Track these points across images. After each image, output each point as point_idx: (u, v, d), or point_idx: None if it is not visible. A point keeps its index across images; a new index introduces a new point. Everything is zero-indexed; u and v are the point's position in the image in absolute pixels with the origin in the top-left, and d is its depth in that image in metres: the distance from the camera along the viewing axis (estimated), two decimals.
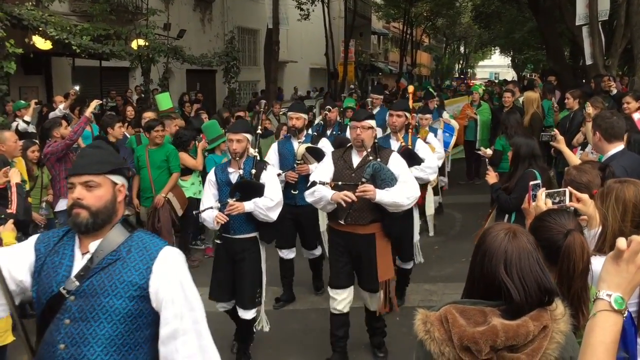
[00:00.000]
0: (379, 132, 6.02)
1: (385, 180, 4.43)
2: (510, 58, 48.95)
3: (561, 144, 4.85)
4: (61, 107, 9.16)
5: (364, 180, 4.34)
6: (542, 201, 2.76)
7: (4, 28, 9.12)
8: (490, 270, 1.88)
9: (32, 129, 8.98)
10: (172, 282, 2.18)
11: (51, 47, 11.49)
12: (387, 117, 6.31)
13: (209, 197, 4.86)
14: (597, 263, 2.43)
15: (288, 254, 6.26)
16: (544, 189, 2.86)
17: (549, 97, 10.85)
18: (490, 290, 1.89)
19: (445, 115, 9.90)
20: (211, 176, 4.93)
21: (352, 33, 28.90)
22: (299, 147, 5.93)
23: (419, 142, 5.97)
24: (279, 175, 5.64)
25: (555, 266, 2.23)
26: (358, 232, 4.57)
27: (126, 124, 9.07)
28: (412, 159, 5.41)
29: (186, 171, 7.28)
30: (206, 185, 4.92)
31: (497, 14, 27.17)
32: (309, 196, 4.60)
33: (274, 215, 4.66)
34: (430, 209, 6.98)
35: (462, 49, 61.67)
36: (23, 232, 5.25)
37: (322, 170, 4.74)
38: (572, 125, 7.40)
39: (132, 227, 2.29)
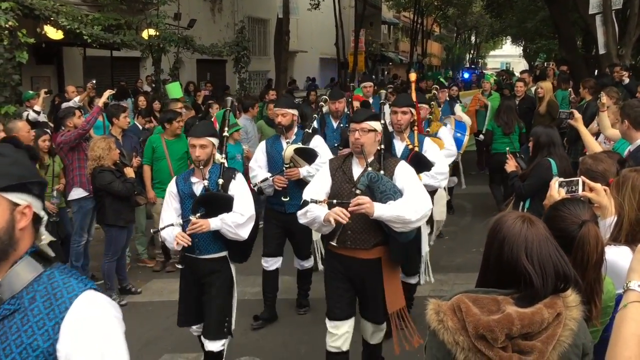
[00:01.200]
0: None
1: (386, 192, 3.73)
2: (521, 48, 48.54)
3: (579, 122, 4.84)
4: (76, 100, 9.22)
5: (357, 192, 3.65)
6: (556, 190, 2.75)
7: (16, 18, 9.14)
8: (511, 258, 1.86)
9: (43, 118, 9.04)
10: (89, 349, 1.52)
11: (62, 37, 11.53)
12: (388, 113, 5.48)
13: (169, 212, 4.26)
14: (612, 253, 2.42)
15: (273, 264, 5.54)
16: (557, 177, 2.84)
17: (563, 87, 10.77)
18: (506, 278, 1.87)
19: (458, 109, 9.12)
20: (172, 187, 4.31)
21: (363, 23, 28.77)
22: (287, 148, 5.20)
23: (427, 142, 5.16)
24: (265, 180, 5.23)
25: (569, 256, 2.21)
26: (360, 257, 3.91)
27: (136, 114, 9.12)
28: (422, 164, 4.76)
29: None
30: (166, 198, 4.32)
31: (509, 3, 26.89)
32: (302, 217, 3.91)
33: (244, 233, 4.09)
34: (440, 214, 6.15)
35: (473, 38, 61.22)
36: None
37: (317, 185, 4.05)
38: (585, 115, 7.33)
39: (46, 262, 1.63)
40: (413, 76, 6.23)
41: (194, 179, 4.22)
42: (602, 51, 12.75)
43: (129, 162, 6.29)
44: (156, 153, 6.81)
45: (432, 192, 5.35)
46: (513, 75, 26.75)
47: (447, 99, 9.84)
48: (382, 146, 3.98)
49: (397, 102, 5.22)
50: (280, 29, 18.90)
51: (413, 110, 5.11)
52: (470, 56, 63.48)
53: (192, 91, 14.20)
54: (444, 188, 7.21)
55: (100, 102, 7.02)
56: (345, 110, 7.11)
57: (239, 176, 4.27)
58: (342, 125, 6.85)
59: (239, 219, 4.06)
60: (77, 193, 6.35)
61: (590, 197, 2.72)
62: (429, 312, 1.85)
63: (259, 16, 25.31)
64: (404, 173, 3.91)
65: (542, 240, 1.87)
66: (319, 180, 4.08)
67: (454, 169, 7.73)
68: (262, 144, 5.59)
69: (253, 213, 4.15)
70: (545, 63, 16.68)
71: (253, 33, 24.57)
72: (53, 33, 11.23)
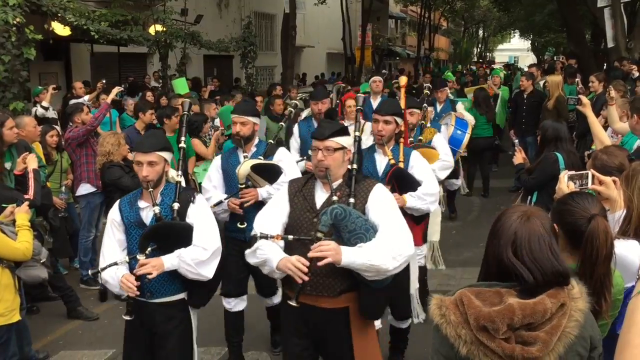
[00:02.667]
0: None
1: (356, 231, 2.88)
2: (530, 41, 48.27)
3: (587, 108, 4.79)
4: (86, 98, 9.28)
5: (319, 235, 2.83)
6: (565, 184, 2.73)
7: (24, 14, 9.17)
8: (498, 251, 1.88)
9: (52, 114, 9.08)
10: None
11: (70, 33, 11.57)
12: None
13: (111, 246, 3.40)
14: (621, 247, 2.41)
15: (236, 304, 4.57)
16: (567, 171, 2.83)
17: (569, 81, 10.71)
18: (504, 271, 1.87)
19: (460, 107, 8.47)
20: (114, 214, 3.45)
21: (370, 17, 28.66)
22: (242, 164, 4.18)
23: (415, 157, 4.33)
24: (220, 203, 4.29)
25: (578, 250, 2.20)
26: (323, 306, 3.05)
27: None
28: (406, 183, 4.15)
29: (198, 157, 7.34)
30: (107, 228, 3.47)
31: None
32: (250, 257, 3.09)
33: (208, 272, 3.28)
34: (435, 234, 5.46)
35: (480, 32, 60.92)
36: (43, 216, 5.34)
37: (270, 214, 3.21)
38: (594, 108, 7.28)
39: None
40: (403, 80, 5.51)
41: (142, 203, 3.40)
42: (610, 44, 12.65)
43: None
44: None
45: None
46: (518, 69, 26.65)
47: (449, 97, 9.22)
48: (354, 165, 3.18)
49: (379, 108, 4.34)
50: (287, 24, 18.87)
51: (399, 120, 4.28)
52: (478, 50, 63.19)
53: (203, 87, 14.21)
54: (440, 198, 6.55)
55: (108, 98, 7.06)
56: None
57: (199, 199, 3.50)
58: None
59: (200, 255, 3.25)
60: (85, 189, 6.39)
61: (600, 190, 2.70)
62: (431, 308, 1.86)
63: (265, 11, 25.28)
64: (379, 201, 3.09)
65: (532, 237, 1.86)
66: (273, 207, 3.24)
67: (453, 171, 7.15)
68: (217, 159, 4.63)
69: (219, 246, 3.36)
70: (555, 57, 16.56)
71: (260, 28, 24.55)
72: (60, 29, 11.27)
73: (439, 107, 8.44)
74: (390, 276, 2.98)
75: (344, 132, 3.16)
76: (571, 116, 9.44)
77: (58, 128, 6.98)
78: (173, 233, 3.32)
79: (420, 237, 4.55)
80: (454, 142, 6.80)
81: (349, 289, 3.03)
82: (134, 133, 7.02)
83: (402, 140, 4.40)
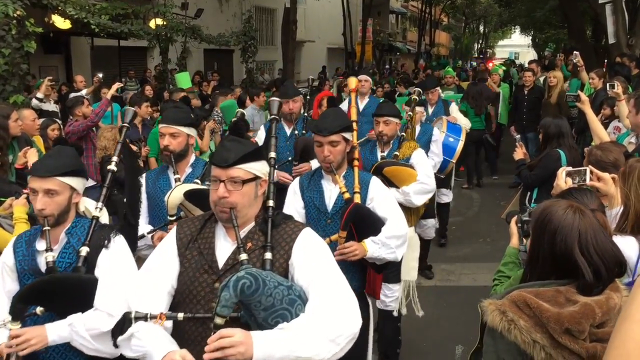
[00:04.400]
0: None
1: (274, 307, 2.00)
2: (530, 37, 48.16)
3: (585, 105, 4.78)
4: (84, 92, 9.27)
5: (217, 321, 1.93)
6: (563, 180, 2.74)
7: (24, 7, 9.14)
8: (565, 250, 1.81)
9: (52, 107, 9.08)
10: None
11: (70, 26, 11.54)
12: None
13: None
14: (618, 243, 2.42)
15: None
16: (564, 167, 2.84)
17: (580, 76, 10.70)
18: (560, 270, 1.82)
19: (454, 109, 7.73)
20: (6, 256, 2.62)
21: (370, 12, 28.61)
22: (173, 190, 3.21)
23: (375, 185, 3.41)
24: (142, 237, 3.34)
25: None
26: None
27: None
28: (365, 226, 3.23)
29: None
30: None
31: None
32: (124, 347, 2.14)
33: (111, 348, 2.24)
34: (411, 271, 4.62)
35: (481, 28, 60.78)
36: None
37: (150, 279, 2.25)
38: (594, 104, 7.28)
39: None
40: (353, 82, 4.60)
41: (40, 245, 2.56)
42: (611, 41, 12.62)
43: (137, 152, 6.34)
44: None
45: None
46: (517, 66, 26.60)
47: (441, 96, 8.36)
48: (271, 202, 2.30)
49: (322, 124, 3.30)
50: (288, 19, 18.84)
51: (349, 136, 3.33)
52: (479, 46, 63.07)
53: (199, 82, 14.18)
54: (435, 208, 6.14)
55: (108, 94, 7.06)
56: (302, 112, 5.48)
57: (117, 243, 2.60)
58: (296, 132, 5.16)
59: (101, 323, 2.34)
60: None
61: (598, 186, 2.71)
62: (491, 314, 1.75)
63: (266, 5, 25.22)
64: (308, 254, 2.20)
65: (596, 230, 1.82)
66: (154, 267, 2.27)
67: (445, 180, 6.63)
68: (142, 178, 3.69)
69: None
70: (559, 55, 16.51)
71: (260, 23, 24.50)
72: (61, 22, 11.25)
73: (430, 110, 7.59)
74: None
75: (255, 155, 2.24)
76: (573, 112, 9.45)
77: (59, 122, 6.99)
78: (64, 291, 2.39)
79: (379, 285, 3.57)
80: (445, 151, 6.11)
81: None
82: (131, 127, 7.03)
83: (356, 162, 3.41)
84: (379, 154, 4.64)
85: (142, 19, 13.71)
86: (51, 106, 9.09)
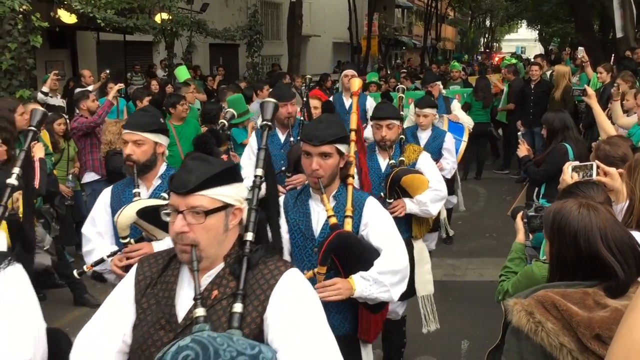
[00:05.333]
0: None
1: None
2: (537, 32, 47.89)
3: (592, 99, 4.74)
4: (90, 89, 9.30)
5: None
6: (569, 175, 2.73)
7: (30, 1, 9.15)
8: (590, 251, 1.77)
9: (59, 101, 9.11)
10: None
11: (76, 21, 11.55)
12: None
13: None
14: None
15: None
16: (571, 162, 2.82)
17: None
18: (586, 271, 1.79)
19: (456, 106, 7.16)
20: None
21: (376, 6, 28.49)
22: (125, 207, 2.80)
23: (371, 207, 2.82)
24: (102, 262, 2.97)
25: None
26: None
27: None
28: (353, 258, 2.67)
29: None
30: None
31: None
32: None
33: None
34: (427, 285, 4.32)
35: (487, 22, 60.50)
36: (50, 203, 5.38)
37: (98, 333, 1.84)
38: (601, 99, 7.25)
39: None
40: (356, 84, 3.43)
41: None
42: (619, 35, 12.54)
43: None
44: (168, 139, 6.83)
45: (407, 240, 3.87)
46: (523, 60, 26.44)
47: (442, 92, 7.89)
48: (249, 236, 1.84)
49: (313, 131, 2.76)
50: (293, 13, 18.79)
51: (344, 149, 2.79)
52: (485, 40, 62.79)
53: (198, 76, 14.12)
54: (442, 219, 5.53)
55: (110, 96, 7.08)
56: (299, 117, 4.84)
57: (12, 273, 1.98)
58: (292, 138, 4.53)
59: None
60: (89, 176, 6.53)
61: (604, 181, 2.69)
62: (517, 315, 1.70)
63: (271, 0, 25.19)
64: (287, 312, 1.73)
65: (613, 225, 1.80)
66: (104, 318, 1.87)
67: (449, 183, 5.93)
68: (106, 193, 3.24)
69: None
70: (566, 49, 16.41)
71: (266, 17, 24.45)
72: (67, 17, 11.26)
73: None
74: None
75: (225, 177, 1.78)
76: (581, 106, 9.40)
77: (66, 116, 7.03)
78: None
79: (376, 329, 2.99)
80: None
81: None
82: None
83: (350, 180, 2.86)
84: (382, 161, 4.11)
85: (148, 13, 13.71)
86: (58, 101, 9.13)
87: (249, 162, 4.39)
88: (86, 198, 6.77)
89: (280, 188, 3.84)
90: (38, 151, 4.70)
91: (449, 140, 5.45)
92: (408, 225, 4.09)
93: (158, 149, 3.15)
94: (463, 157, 10.25)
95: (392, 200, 3.91)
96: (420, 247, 4.17)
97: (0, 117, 4.77)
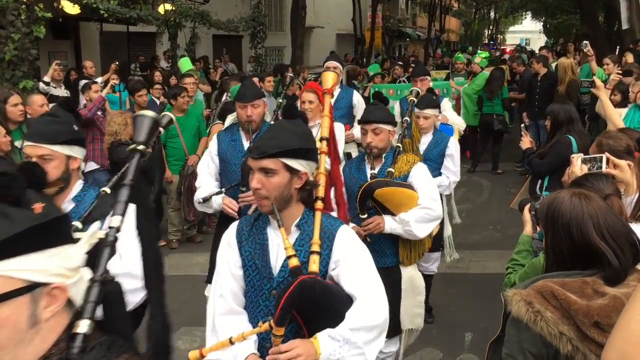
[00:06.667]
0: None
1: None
2: (542, 23, 47.69)
3: (601, 91, 4.71)
4: (99, 80, 9.31)
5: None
6: (578, 167, 2.70)
7: None
8: (583, 240, 1.78)
9: (62, 92, 9.10)
10: None
11: (79, 11, 11.53)
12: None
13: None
14: (635, 230, 2.39)
15: None
16: (580, 154, 2.80)
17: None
18: (583, 260, 1.80)
19: (446, 105, 6.20)
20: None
21: None
22: None
23: (342, 240, 2.25)
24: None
25: None
26: None
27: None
28: (317, 312, 2.14)
29: None
30: None
31: None
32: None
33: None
34: (414, 321, 3.67)
35: (492, 14, 60.24)
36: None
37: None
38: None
39: None
40: (330, 78, 2.98)
41: None
42: (625, 26, 12.48)
43: None
44: (170, 131, 6.83)
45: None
46: (526, 52, 26.33)
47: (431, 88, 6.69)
48: (81, 330, 1.24)
49: (260, 141, 2.25)
50: (297, 4, 18.73)
51: (301, 165, 2.18)
52: (489, 32, 62.54)
53: (204, 67, 14.09)
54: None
55: (103, 92, 7.08)
56: (268, 117, 4.23)
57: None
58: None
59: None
60: (90, 166, 6.60)
61: (614, 174, 2.67)
62: (516, 305, 1.71)
63: None
64: None
65: (605, 212, 1.81)
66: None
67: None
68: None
69: None
70: (569, 42, 16.28)
71: (269, 8, 24.37)
72: (70, 8, 11.23)
73: None
74: None
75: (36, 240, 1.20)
76: (585, 99, 9.36)
77: None
78: None
79: None
80: None
81: None
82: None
83: (319, 204, 2.30)
84: (369, 171, 3.56)
85: (151, 4, 13.68)
86: (62, 91, 9.11)
87: (206, 170, 3.99)
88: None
89: (233, 203, 3.64)
90: None
91: (453, 145, 4.73)
92: (394, 248, 3.51)
93: (72, 164, 2.54)
94: (473, 150, 10.53)
95: (365, 217, 3.39)
96: (411, 276, 3.56)
97: None
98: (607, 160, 2.70)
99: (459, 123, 6.01)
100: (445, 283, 5.92)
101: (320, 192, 2.34)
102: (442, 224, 4.38)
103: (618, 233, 1.76)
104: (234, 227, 2.38)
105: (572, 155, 2.92)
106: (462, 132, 6.20)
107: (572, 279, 1.74)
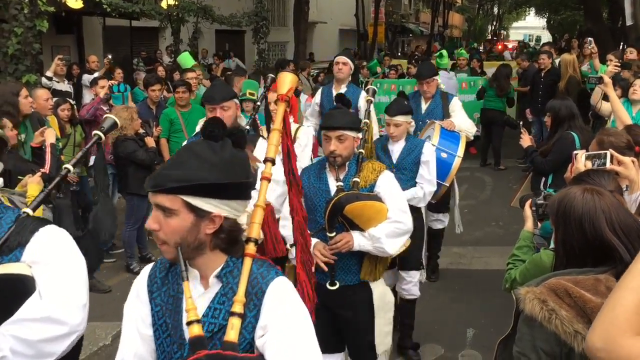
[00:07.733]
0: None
1: None
2: (545, 19, 47.54)
3: (608, 87, 4.67)
4: (96, 75, 9.33)
5: None
6: (582, 163, 2.70)
7: None
8: (595, 234, 1.78)
9: (65, 87, 9.11)
10: None
11: (82, 6, 11.53)
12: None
13: None
14: None
15: None
16: (584, 150, 2.79)
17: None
18: (595, 256, 1.79)
19: (456, 105, 5.58)
20: None
21: None
22: None
23: (272, 301, 1.64)
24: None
25: None
26: None
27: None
28: None
29: None
30: None
31: None
32: None
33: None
34: (384, 341, 3.36)
35: (495, 9, 60.07)
36: (56, 189, 5.39)
37: None
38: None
39: None
40: (286, 82, 2.17)
41: None
42: (629, 22, 12.41)
43: (150, 132, 6.40)
44: (174, 125, 6.82)
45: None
46: (532, 48, 26.25)
47: (441, 86, 5.79)
48: None
49: (163, 169, 1.69)
50: None
51: (213, 206, 1.62)
52: (493, 28, 62.36)
53: (213, 63, 14.12)
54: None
55: (101, 93, 7.09)
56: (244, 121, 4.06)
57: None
58: None
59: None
60: (93, 160, 6.58)
61: (619, 170, 2.66)
62: (530, 303, 1.69)
63: None
64: None
65: (617, 208, 1.81)
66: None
67: (440, 204, 5.30)
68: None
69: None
70: (573, 39, 16.23)
71: (272, 3, 24.32)
72: (73, 2, 11.24)
73: (424, 106, 5.62)
74: None
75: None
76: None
77: (72, 102, 7.07)
78: None
79: None
80: (438, 169, 4.57)
81: None
82: (144, 108, 7.10)
83: (250, 248, 1.72)
84: (332, 182, 3.22)
85: None
86: (65, 86, 9.13)
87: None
88: (92, 181, 6.81)
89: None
90: (50, 136, 4.71)
91: (428, 151, 4.36)
92: (359, 265, 3.25)
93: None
94: (481, 145, 10.58)
95: (334, 234, 3.12)
96: (382, 291, 3.35)
97: (5, 101, 4.77)
98: (611, 157, 2.69)
99: (468, 128, 5.44)
100: (447, 279, 5.92)
101: (254, 231, 1.74)
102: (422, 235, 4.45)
103: (630, 229, 1.76)
104: (146, 271, 1.82)
105: (576, 152, 2.91)
106: (471, 139, 5.76)
107: (585, 276, 1.72)
